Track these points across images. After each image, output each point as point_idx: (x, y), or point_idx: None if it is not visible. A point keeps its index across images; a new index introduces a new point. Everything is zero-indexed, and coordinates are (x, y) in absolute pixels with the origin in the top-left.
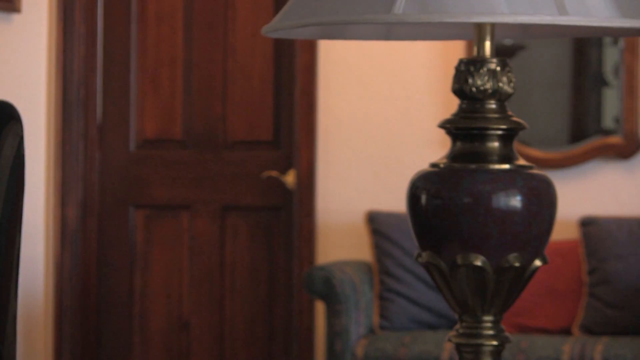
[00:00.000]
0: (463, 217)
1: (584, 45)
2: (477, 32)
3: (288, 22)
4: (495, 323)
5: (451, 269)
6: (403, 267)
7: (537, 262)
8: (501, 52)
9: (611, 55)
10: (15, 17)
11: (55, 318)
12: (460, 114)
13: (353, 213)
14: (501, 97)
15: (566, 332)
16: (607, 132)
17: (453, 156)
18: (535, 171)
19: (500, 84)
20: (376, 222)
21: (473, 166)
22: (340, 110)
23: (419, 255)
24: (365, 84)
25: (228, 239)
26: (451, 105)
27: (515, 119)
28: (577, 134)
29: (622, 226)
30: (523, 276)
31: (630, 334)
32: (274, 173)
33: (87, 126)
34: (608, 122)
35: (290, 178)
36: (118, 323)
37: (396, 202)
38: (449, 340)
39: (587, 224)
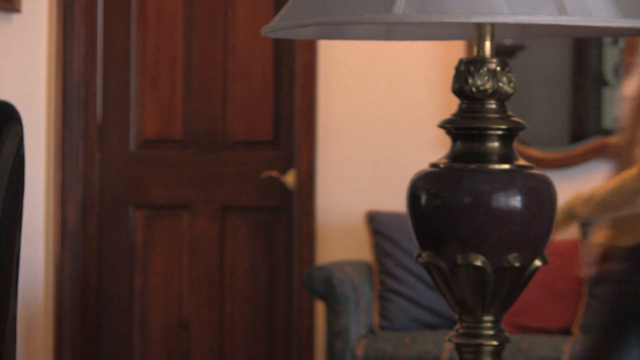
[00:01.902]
0: (463, 217)
1: (584, 45)
2: (477, 32)
3: (288, 22)
4: (495, 323)
5: (451, 269)
6: (403, 267)
7: (537, 262)
8: (501, 52)
9: (611, 55)
10: (15, 17)
11: (55, 318)
12: (460, 114)
13: (353, 213)
14: (501, 97)
15: (566, 332)
16: (607, 132)
17: (453, 156)
18: (535, 171)
19: (500, 84)
20: (376, 222)
21: (473, 166)
22: (340, 110)
23: (419, 255)
24: (365, 83)
25: (228, 239)
26: (451, 105)
27: (515, 119)
28: (577, 134)
29: None
30: (523, 276)
31: None
32: (274, 173)
33: (87, 126)
34: (608, 122)
35: (290, 178)
36: (118, 323)
37: (396, 202)
38: (449, 340)
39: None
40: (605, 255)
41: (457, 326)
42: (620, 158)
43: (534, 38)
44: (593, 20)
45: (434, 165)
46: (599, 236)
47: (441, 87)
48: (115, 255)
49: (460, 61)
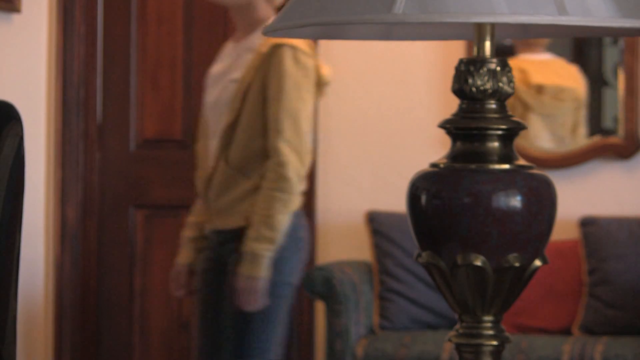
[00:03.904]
0: (463, 217)
1: (584, 45)
2: (477, 32)
3: (288, 22)
4: (495, 323)
5: (451, 269)
6: (403, 267)
7: (537, 262)
8: (501, 52)
9: (611, 55)
10: (15, 17)
11: (55, 318)
12: (460, 114)
13: (353, 213)
14: (501, 97)
15: (566, 332)
16: (607, 132)
17: (453, 156)
18: (535, 171)
19: (500, 84)
20: (376, 222)
21: (473, 166)
22: (340, 110)
23: (419, 255)
24: (365, 83)
25: None
26: (451, 105)
27: (515, 119)
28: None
29: (622, 226)
30: (523, 276)
31: (630, 334)
32: None
33: (87, 126)
34: (608, 122)
35: None
36: (118, 323)
37: (396, 202)
38: (449, 340)
39: (587, 224)
40: (192, 267)
41: (457, 326)
42: (218, 138)
43: (534, 38)
44: (593, 20)
45: (434, 165)
46: (187, 252)
47: (441, 87)
48: (115, 255)
49: (460, 61)
